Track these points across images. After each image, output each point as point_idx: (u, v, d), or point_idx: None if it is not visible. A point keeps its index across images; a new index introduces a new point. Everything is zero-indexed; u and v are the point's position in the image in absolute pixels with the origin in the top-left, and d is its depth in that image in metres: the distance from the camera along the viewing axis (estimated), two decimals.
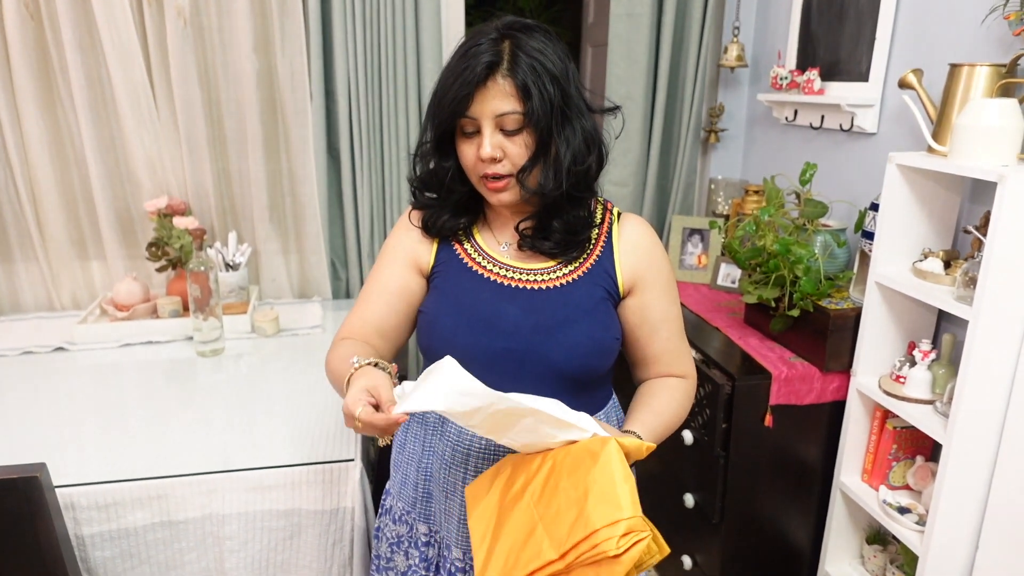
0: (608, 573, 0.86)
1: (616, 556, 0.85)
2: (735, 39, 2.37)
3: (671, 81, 2.39)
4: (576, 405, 1.12)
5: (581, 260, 1.13)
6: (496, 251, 1.15)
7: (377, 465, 1.73)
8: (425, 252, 1.17)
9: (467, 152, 1.05)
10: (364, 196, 2.26)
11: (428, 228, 1.16)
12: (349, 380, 0.96)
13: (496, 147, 1.02)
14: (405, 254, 1.17)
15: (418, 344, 1.17)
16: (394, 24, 2.13)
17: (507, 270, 1.13)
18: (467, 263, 1.14)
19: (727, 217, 2.43)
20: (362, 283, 2.37)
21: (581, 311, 1.10)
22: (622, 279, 1.14)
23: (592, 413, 1.16)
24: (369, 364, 0.98)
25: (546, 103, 1.00)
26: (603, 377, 1.18)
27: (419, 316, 1.16)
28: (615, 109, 1.14)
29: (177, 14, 2.02)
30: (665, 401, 1.14)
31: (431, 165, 1.11)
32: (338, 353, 1.08)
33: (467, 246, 1.16)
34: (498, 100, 1.00)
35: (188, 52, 2.07)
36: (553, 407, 0.94)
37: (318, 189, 2.23)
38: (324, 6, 2.10)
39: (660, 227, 2.58)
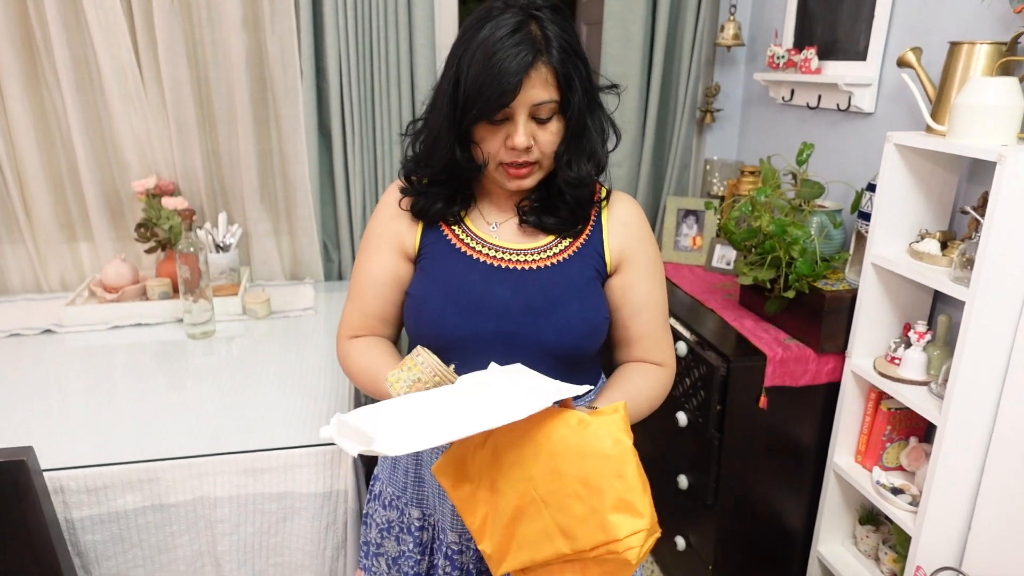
0: (625, 569, 0.89)
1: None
2: (732, 17, 2.34)
3: (667, 60, 2.36)
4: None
5: (572, 239, 1.12)
6: (485, 231, 1.13)
7: None
8: (411, 235, 1.14)
9: (492, 140, 1.01)
10: (356, 176, 2.23)
11: (419, 215, 1.12)
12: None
13: (529, 136, 0.99)
14: (391, 240, 1.14)
15: (406, 328, 1.16)
16: (385, 0, 2.09)
17: (496, 251, 1.11)
18: (455, 244, 1.12)
19: (722, 198, 2.42)
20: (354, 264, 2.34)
21: (572, 291, 1.09)
22: (610, 257, 1.12)
23: (583, 393, 1.15)
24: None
25: (582, 90, 0.99)
26: (594, 357, 1.18)
27: (407, 299, 1.13)
28: (614, 87, 1.11)
29: None
30: (638, 385, 1.12)
31: (447, 154, 1.04)
32: (362, 355, 1.11)
33: (455, 227, 1.13)
34: (537, 89, 0.97)
35: (176, 30, 2.03)
36: (512, 406, 0.89)
37: (309, 169, 2.20)
38: None
39: (655, 208, 2.56)
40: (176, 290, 2.02)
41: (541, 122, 1.00)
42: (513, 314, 1.07)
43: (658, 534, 0.90)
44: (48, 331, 1.90)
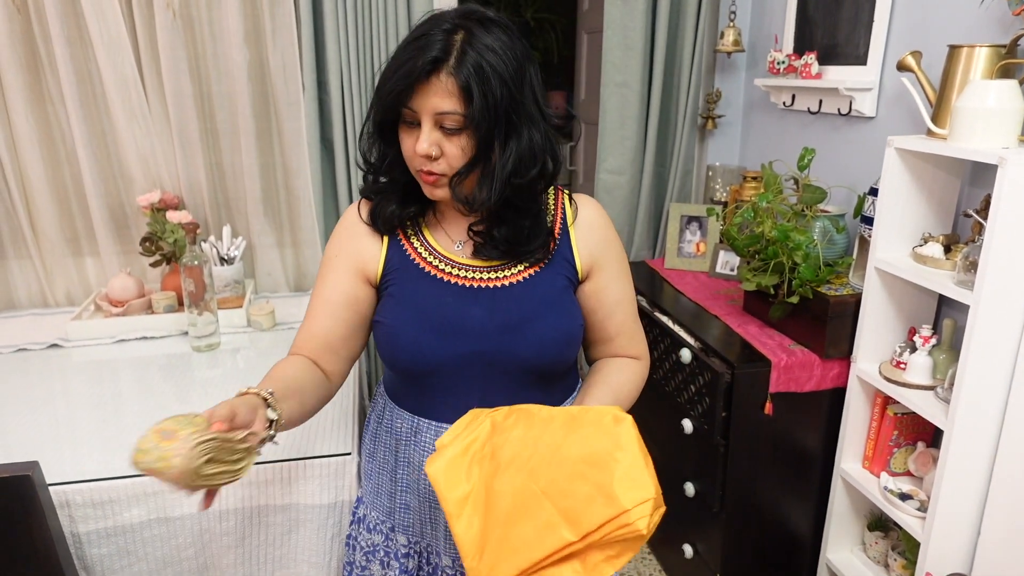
0: (631, 547, 0.89)
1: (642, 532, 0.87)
2: (731, 24, 2.35)
3: (667, 67, 2.36)
4: (545, 396, 1.12)
5: (529, 263, 1.09)
6: (451, 251, 1.10)
7: None
8: (373, 257, 1.11)
9: (406, 141, 1.00)
10: (358, 187, 2.24)
11: (375, 219, 1.10)
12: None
13: (433, 144, 0.97)
14: (349, 260, 1.11)
15: (380, 356, 1.13)
16: (385, 13, 2.10)
17: (465, 270, 1.08)
18: (423, 267, 1.09)
19: (725, 204, 2.42)
20: None
21: (546, 304, 1.08)
22: (580, 264, 1.11)
23: (561, 401, 1.16)
24: (254, 393, 0.94)
25: (489, 108, 0.94)
26: (571, 366, 1.18)
27: (376, 327, 1.11)
28: (570, 118, 1.10)
29: (166, 6, 1.99)
30: (622, 380, 1.14)
31: (374, 148, 1.07)
32: (279, 365, 1.07)
33: (418, 246, 1.10)
34: (439, 98, 0.94)
35: (178, 45, 2.04)
36: None
37: (312, 181, 2.21)
38: None
39: (658, 214, 2.56)
40: (181, 303, 2.03)
41: (449, 133, 0.97)
42: (490, 334, 1.06)
43: (663, 509, 0.90)
44: (54, 345, 1.91)
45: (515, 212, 1.05)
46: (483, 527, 0.92)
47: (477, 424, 0.99)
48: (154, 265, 2.09)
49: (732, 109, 2.54)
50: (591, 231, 1.12)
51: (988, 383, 1.40)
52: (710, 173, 2.53)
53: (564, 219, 1.12)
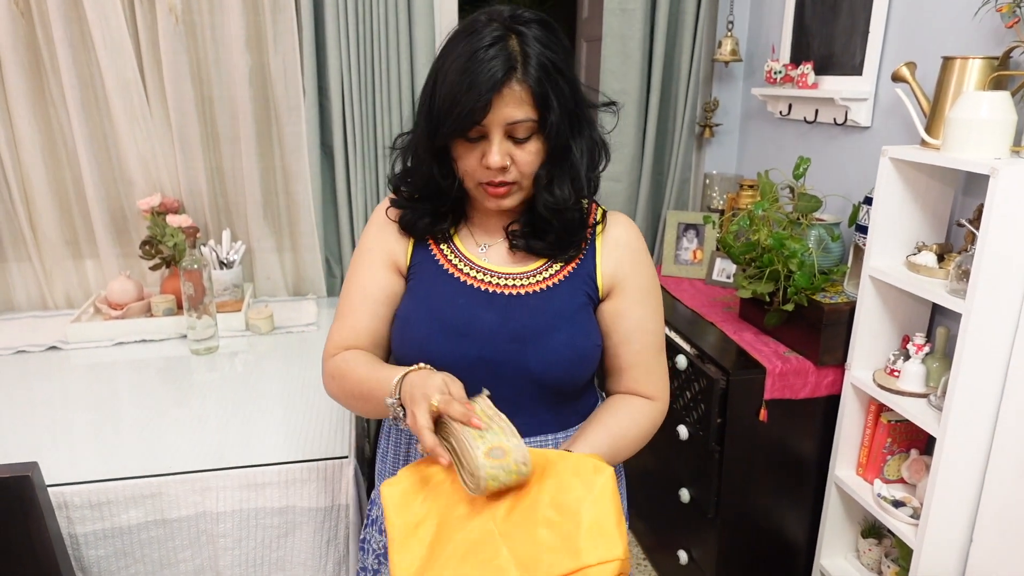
0: None
1: None
2: (729, 33, 2.37)
3: (665, 76, 2.38)
4: (554, 415, 1.09)
5: (563, 263, 1.07)
6: (475, 253, 1.09)
7: (372, 462, 1.72)
8: (402, 250, 1.11)
9: (468, 158, 0.98)
10: (358, 192, 2.26)
11: (407, 228, 1.10)
12: (404, 377, 0.93)
13: (505, 155, 0.95)
14: (383, 256, 1.11)
15: (392, 350, 1.12)
16: (387, 19, 2.12)
17: (484, 274, 1.07)
18: (443, 265, 1.08)
19: (722, 212, 2.43)
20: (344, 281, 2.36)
21: (561, 318, 1.04)
22: (601, 281, 1.08)
23: (572, 423, 1.11)
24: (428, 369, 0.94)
25: (563, 109, 0.94)
26: (586, 385, 1.13)
27: (394, 319, 1.10)
28: (611, 104, 1.09)
29: (169, 11, 2.01)
30: (624, 425, 1.06)
31: (426, 170, 1.03)
32: (357, 362, 1.03)
33: (444, 247, 1.10)
34: (511, 107, 0.92)
35: (180, 50, 2.06)
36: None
37: (312, 186, 2.22)
38: (316, 2, 2.10)
39: (655, 222, 2.58)
40: (180, 306, 2.04)
41: (518, 141, 0.96)
42: (498, 341, 1.03)
43: (627, 573, 0.83)
44: (54, 348, 1.92)
45: (559, 205, 1.02)
46: (425, 561, 0.86)
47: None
48: (154, 268, 2.10)
49: (729, 118, 2.56)
50: (617, 249, 1.08)
51: (980, 391, 1.41)
52: (707, 181, 2.55)
53: (593, 232, 1.09)
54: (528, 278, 1.06)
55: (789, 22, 2.18)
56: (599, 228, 1.09)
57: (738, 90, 2.54)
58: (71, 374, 1.79)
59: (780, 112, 2.26)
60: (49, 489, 1.22)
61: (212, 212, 2.24)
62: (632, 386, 1.10)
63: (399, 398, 0.92)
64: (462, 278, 1.07)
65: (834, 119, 2.01)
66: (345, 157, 2.23)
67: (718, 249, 2.29)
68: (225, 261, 2.09)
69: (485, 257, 1.09)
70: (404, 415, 0.92)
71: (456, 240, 1.11)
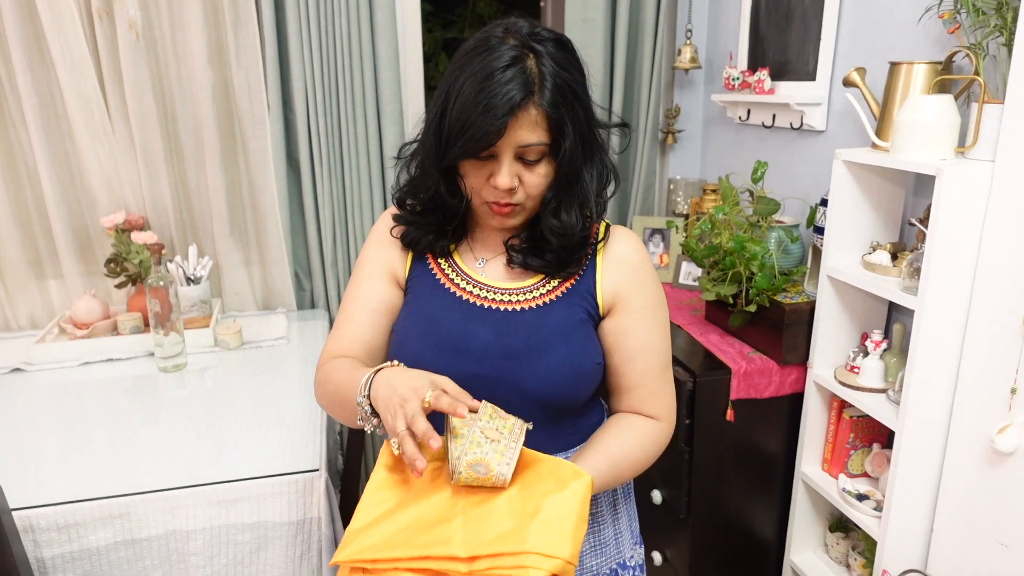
0: None
1: None
2: (688, 41, 2.41)
3: (627, 84, 2.42)
4: (557, 435, 1.07)
5: (561, 280, 1.05)
6: (472, 268, 1.08)
7: (344, 474, 1.72)
8: (401, 264, 1.11)
9: (476, 176, 0.96)
10: (325, 205, 2.26)
11: (409, 245, 1.09)
12: (376, 374, 0.90)
13: (514, 177, 0.94)
14: (384, 267, 1.10)
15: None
16: (350, 33, 2.13)
17: (481, 288, 1.05)
18: (440, 279, 1.07)
19: (687, 216, 2.47)
20: (327, 292, 2.36)
21: (558, 335, 1.01)
22: (602, 298, 1.05)
23: (577, 443, 1.09)
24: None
25: (577, 135, 0.93)
26: (586, 404, 1.10)
27: (392, 333, 1.10)
28: (624, 126, 1.08)
29: (129, 27, 2.00)
30: (626, 446, 1.03)
31: (433, 186, 1.01)
32: (340, 367, 1.00)
33: (442, 261, 1.09)
34: (525, 131, 0.91)
35: (141, 65, 2.05)
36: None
37: (279, 200, 2.22)
38: (279, 16, 2.10)
39: None
40: (147, 324, 2.02)
41: (528, 163, 0.94)
42: (493, 358, 1.01)
43: None
44: (17, 370, 1.89)
45: (565, 231, 1.01)
46: (380, 517, 0.87)
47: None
48: (119, 286, 2.08)
49: (691, 124, 2.61)
50: (620, 266, 1.05)
51: (935, 384, 1.46)
52: (671, 186, 2.59)
53: (594, 248, 1.06)
54: (524, 294, 1.04)
55: (745, 30, 2.24)
56: (600, 246, 1.07)
57: (699, 96, 2.59)
58: (36, 396, 1.76)
59: (739, 117, 2.31)
60: (14, 513, 1.20)
61: (178, 228, 2.22)
62: (637, 406, 1.07)
63: (368, 395, 0.90)
64: (459, 293, 1.06)
65: (791, 123, 2.06)
66: (312, 170, 2.23)
67: (684, 253, 2.33)
68: (192, 277, 2.08)
69: (482, 272, 1.08)
70: (371, 414, 0.90)
71: (455, 255, 1.09)
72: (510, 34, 0.93)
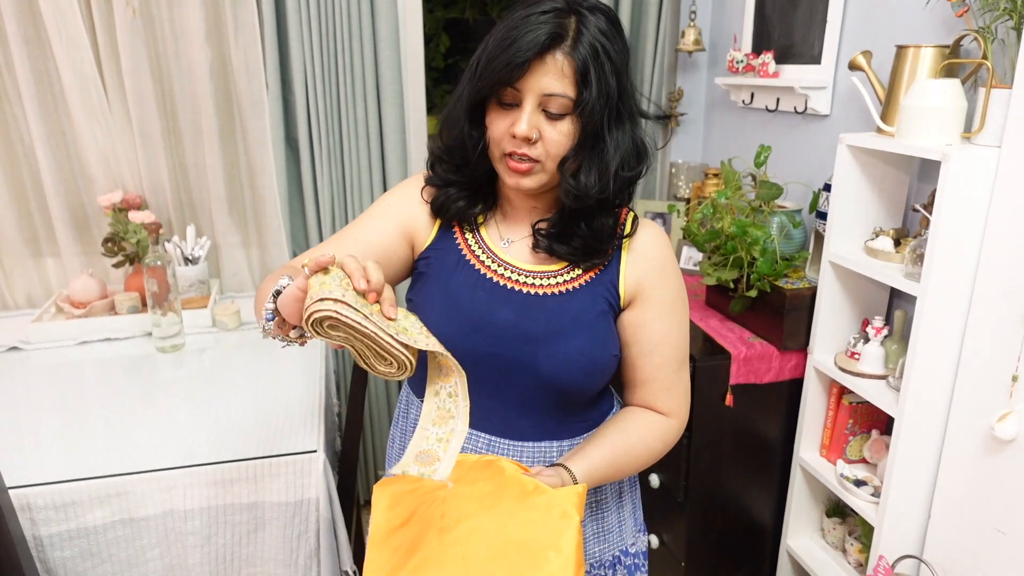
0: None
1: None
2: (692, 23, 2.39)
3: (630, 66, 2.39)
4: (565, 423, 1.06)
5: (587, 268, 1.04)
6: (497, 246, 1.06)
7: (343, 455, 1.72)
8: (424, 229, 1.08)
9: (499, 123, 0.95)
10: (324, 186, 2.24)
11: (438, 210, 1.07)
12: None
13: (533, 127, 0.92)
14: (402, 218, 1.07)
15: None
16: (349, 12, 2.10)
17: (505, 268, 1.04)
18: (466, 255, 1.05)
19: (688, 200, 2.46)
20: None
21: (578, 323, 1.00)
22: (624, 290, 1.04)
23: (585, 432, 1.08)
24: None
25: (602, 95, 0.91)
26: (598, 394, 1.09)
27: (406, 304, 1.07)
28: (667, 118, 1.07)
29: (126, 4, 1.97)
30: (631, 443, 1.03)
31: (458, 131, 0.99)
32: (275, 272, 0.96)
33: (469, 236, 1.07)
34: (550, 78, 0.90)
35: (138, 43, 2.02)
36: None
37: (277, 180, 2.20)
38: None
39: None
40: (145, 304, 2.01)
41: (551, 117, 0.93)
42: (512, 339, 1.00)
43: None
44: (14, 348, 1.88)
45: (603, 208, 1.00)
46: (394, 567, 0.87)
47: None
48: (117, 266, 2.07)
49: (695, 107, 2.58)
50: (644, 258, 1.04)
51: (935, 371, 1.45)
52: (673, 170, 2.58)
53: (620, 240, 1.05)
54: (548, 278, 1.03)
55: (750, 12, 2.21)
56: (625, 235, 1.05)
57: (702, 79, 2.57)
58: (33, 375, 1.76)
59: (743, 101, 2.29)
60: (11, 491, 1.20)
61: (176, 208, 2.21)
62: (649, 400, 1.07)
63: (275, 302, 0.85)
64: (482, 270, 1.04)
65: (794, 107, 2.04)
66: (311, 150, 2.21)
67: (685, 237, 2.32)
68: (190, 257, 2.07)
69: (507, 252, 1.06)
70: (274, 321, 0.85)
71: (482, 230, 1.08)
72: None
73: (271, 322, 0.86)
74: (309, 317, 0.76)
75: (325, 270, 0.80)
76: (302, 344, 0.87)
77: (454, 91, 1.01)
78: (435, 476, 0.89)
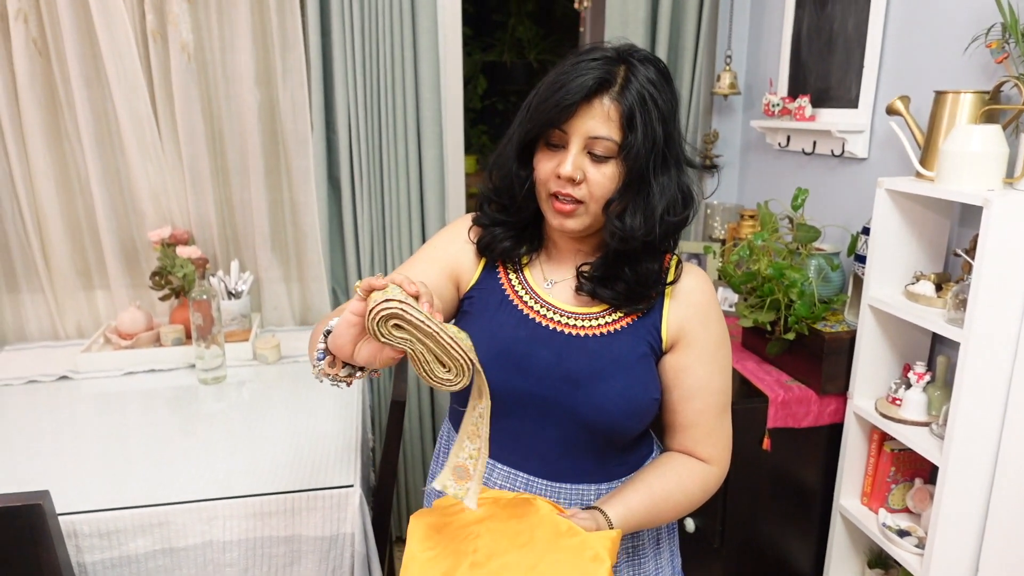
0: None
1: None
2: (727, 67, 2.42)
3: None
4: (603, 464, 1.06)
5: (629, 311, 1.04)
6: (540, 287, 1.08)
7: (377, 491, 1.73)
8: (470, 268, 1.11)
9: (545, 164, 0.98)
10: (364, 224, 2.29)
11: (484, 249, 1.09)
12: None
13: (577, 168, 0.95)
14: (448, 260, 1.10)
15: None
16: (392, 56, 2.18)
17: (548, 309, 1.05)
18: (509, 295, 1.07)
19: (723, 241, 2.46)
20: None
21: (619, 366, 1.01)
22: (666, 333, 1.04)
23: (623, 475, 1.08)
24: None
25: (648, 140, 0.94)
26: (638, 438, 1.09)
27: None
28: (713, 167, 1.09)
29: (181, 48, 2.07)
30: (669, 488, 1.02)
31: (507, 172, 1.03)
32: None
33: (512, 276, 1.09)
34: (596, 121, 0.94)
35: (192, 85, 2.11)
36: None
37: (319, 217, 2.26)
38: (324, 40, 2.15)
39: None
40: (189, 336, 2.06)
41: (597, 159, 0.95)
42: (552, 380, 1.00)
43: None
44: (64, 377, 1.94)
45: (648, 253, 1.01)
46: None
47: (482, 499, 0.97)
48: (163, 299, 2.13)
49: (730, 149, 2.60)
50: (688, 302, 1.05)
51: (981, 419, 1.42)
52: (708, 211, 2.58)
53: (664, 285, 1.05)
54: (590, 320, 1.04)
55: (786, 56, 2.23)
56: (671, 277, 1.06)
57: (737, 122, 2.59)
58: (81, 404, 1.81)
59: (779, 144, 2.30)
60: (59, 518, 1.23)
61: (221, 243, 2.27)
62: (690, 446, 1.06)
63: (326, 341, 0.87)
64: (524, 310, 1.06)
65: (831, 151, 2.05)
66: (352, 189, 2.27)
67: (720, 278, 2.32)
68: (233, 291, 2.13)
69: (550, 293, 1.07)
70: (325, 360, 0.87)
71: (526, 271, 1.10)
72: (611, 46, 0.98)
73: (322, 361, 0.89)
74: (375, 316, 0.78)
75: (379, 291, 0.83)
76: (348, 384, 0.90)
77: (505, 133, 1.05)
78: (466, 500, 0.90)
